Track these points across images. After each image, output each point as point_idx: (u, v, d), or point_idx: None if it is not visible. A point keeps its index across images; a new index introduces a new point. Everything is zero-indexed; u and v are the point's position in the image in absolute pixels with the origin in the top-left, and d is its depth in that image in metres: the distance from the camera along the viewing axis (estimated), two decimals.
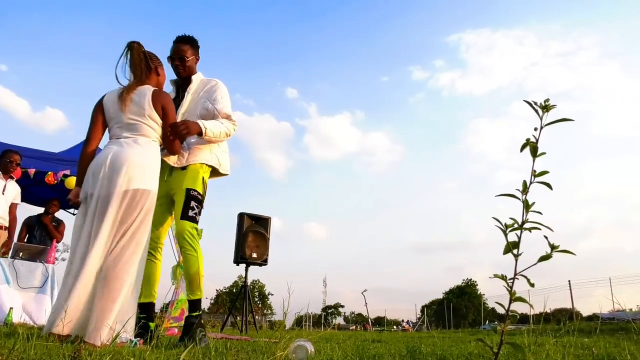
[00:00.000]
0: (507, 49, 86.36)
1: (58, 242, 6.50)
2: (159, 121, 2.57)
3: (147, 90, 2.57)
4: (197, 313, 2.66)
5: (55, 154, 6.36)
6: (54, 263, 6.18)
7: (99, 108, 2.62)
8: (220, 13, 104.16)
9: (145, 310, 2.71)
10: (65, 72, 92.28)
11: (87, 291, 2.19)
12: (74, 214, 8.36)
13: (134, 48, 2.60)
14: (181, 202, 2.70)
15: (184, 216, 2.67)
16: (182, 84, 3.01)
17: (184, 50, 2.91)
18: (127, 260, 2.28)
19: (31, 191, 6.81)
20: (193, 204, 2.70)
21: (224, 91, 2.96)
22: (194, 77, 2.96)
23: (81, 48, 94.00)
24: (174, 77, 3.03)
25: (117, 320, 2.18)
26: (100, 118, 2.61)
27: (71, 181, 6.10)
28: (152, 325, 2.71)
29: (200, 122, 2.68)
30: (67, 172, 6.10)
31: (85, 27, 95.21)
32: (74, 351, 1.65)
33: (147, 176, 2.42)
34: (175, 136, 2.61)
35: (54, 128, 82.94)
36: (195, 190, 2.73)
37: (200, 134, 2.69)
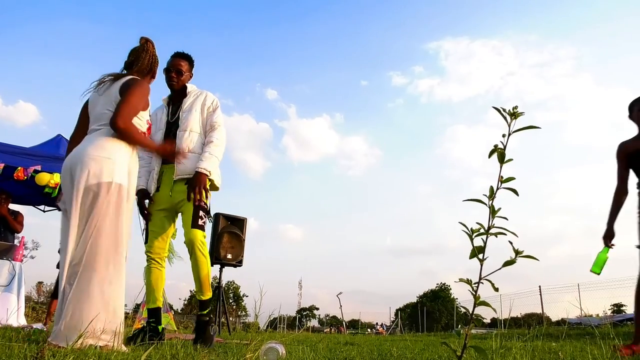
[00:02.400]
0: (485, 58, 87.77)
1: (19, 232, 6.31)
2: None
3: (124, 78, 2.44)
4: (207, 311, 2.94)
5: (25, 148, 6.19)
6: (21, 261, 6.01)
7: (84, 104, 2.55)
8: (201, 13, 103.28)
9: (154, 315, 2.95)
10: (41, 66, 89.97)
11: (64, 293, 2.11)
12: (44, 211, 8.15)
13: (146, 47, 2.58)
14: (190, 212, 2.87)
15: (195, 225, 2.86)
16: (174, 97, 3.18)
17: (182, 65, 3.10)
18: (94, 262, 2.14)
19: None
20: (202, 213, 2.89)
21: (215, 103, 3.16)
22: (189, 90, 3.15)
23: (58, 43, 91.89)
24: (163, 94, 3.23)
25: (84, 321, 2.12)
26: (82, 114, 2.55)
27: (42, 177, 5.94)
28: (160, 327, 2.93)
29: (204, 171, 2.88)
30: (38, 167, 5.94)
31: (60, 22, 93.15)
32: (37, 351, 1.61)
33: (102, 169, 2.23)
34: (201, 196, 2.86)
35: (25, 122, 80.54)
36: (201, 201, 2.90)
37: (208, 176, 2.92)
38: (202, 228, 2.88)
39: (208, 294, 2.94)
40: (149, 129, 2.54)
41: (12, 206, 6.39)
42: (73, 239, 2.15)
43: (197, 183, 2.84)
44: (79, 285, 2.09)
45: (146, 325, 2.88)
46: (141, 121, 2.44)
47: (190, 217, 2.86)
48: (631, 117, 3.40)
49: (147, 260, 2.97)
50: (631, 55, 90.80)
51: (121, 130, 2.30)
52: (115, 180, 2.24)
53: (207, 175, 2.89)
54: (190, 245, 2.85)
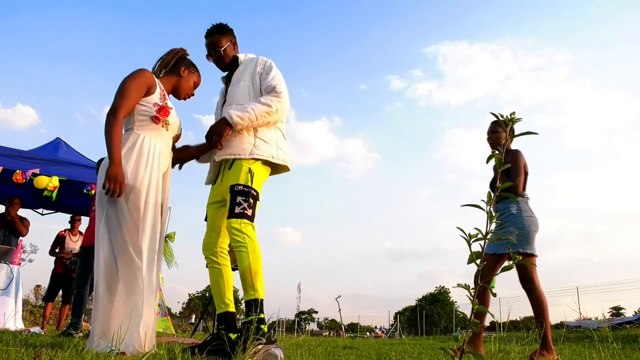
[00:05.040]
0: (484, 62, 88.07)
1: (23, 236, 6.30)
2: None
3: None
4: (250, 318, 2.31)
5: (24, 151, 6.18)
6: (19, 264, 6.01)
7: None
8: (199, 16, 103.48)
9: (223, 322, 2.49)
10: (40, 70, 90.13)
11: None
12: (42, 214, 8.14)
13: (173, 50, 2.66)
14: (228, 202, 2.49)
15: (230, 214, 2.44)
16: (229, 74, 2.82)
17: (215, 41, 2.74)
18: (105, 263, 2.22)
19: None
20: (239, 199, 2.45)
21: (268, 64, 2.72)
22: (241, 60, 2.78)
23: (57, 46, 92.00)
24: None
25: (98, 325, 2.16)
26: None
27: (40, 180, 5.93)
28: (232, 335, 2.37)
29: (226, 115, 2.49)
30: (37, 170, 5.93)
31: (58, 24, 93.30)
32: (35, 355, 1.61)
33: (102, 173, 2.28)
34: (213, 146, 2.54)
35: (24, 125, 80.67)
36: (239, 185, 2.47)
37: (231, 127, 2.50)
38: (238, 215, 2.41)
39: (251, 292, 2.36)
40: (160, 110, 2.45)
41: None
42: (97, 242, 2.29)
43: (213, 130, 2.51)
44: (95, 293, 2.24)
45: (216, 334, 2.48)
46: (145, 106, 2.41)
47: (228, 206, 2.46)
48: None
49: (205, 261, 2.65)
50: (628, 60, 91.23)
51: (105, 121, 2.30)
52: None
53: (227, 122, 2.48)
54: (229, 237, 2.48)
